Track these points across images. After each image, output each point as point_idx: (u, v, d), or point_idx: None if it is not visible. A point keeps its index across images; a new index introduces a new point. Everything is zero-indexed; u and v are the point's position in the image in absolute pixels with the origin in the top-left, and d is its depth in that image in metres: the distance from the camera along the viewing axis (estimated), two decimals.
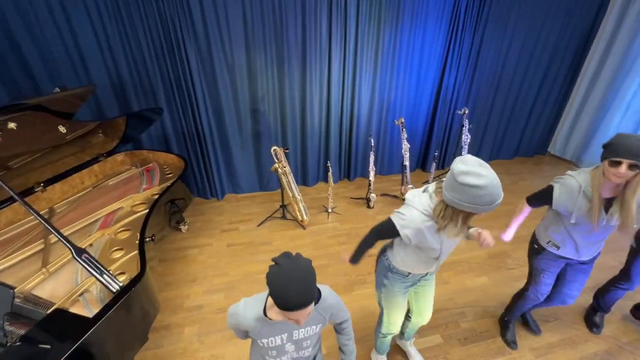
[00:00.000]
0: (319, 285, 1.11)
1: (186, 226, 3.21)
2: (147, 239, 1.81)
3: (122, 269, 1.70)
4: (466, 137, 3.57)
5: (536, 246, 1.74)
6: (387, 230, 1.29)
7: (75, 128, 2.26)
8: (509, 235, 1.81)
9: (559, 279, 1.81)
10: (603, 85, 4.20)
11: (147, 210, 2.06)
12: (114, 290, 1.41)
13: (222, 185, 3.76)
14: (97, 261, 1.41)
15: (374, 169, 3.52)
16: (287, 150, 3.02)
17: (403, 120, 3.46)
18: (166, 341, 2.11)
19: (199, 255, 2.92)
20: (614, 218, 1.40)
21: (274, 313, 1.00)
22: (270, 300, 1.01)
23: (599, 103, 4.28)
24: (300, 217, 3.22)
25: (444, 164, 4.45)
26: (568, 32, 4.05)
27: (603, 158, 1.32)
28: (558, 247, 1.63)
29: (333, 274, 2.70)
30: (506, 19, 3.71)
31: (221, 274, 2.71)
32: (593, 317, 2.22)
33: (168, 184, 2.49)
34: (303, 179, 4.04)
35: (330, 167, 3.30)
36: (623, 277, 2.00)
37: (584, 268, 1.71)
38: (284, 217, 3.38)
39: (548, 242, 1.67)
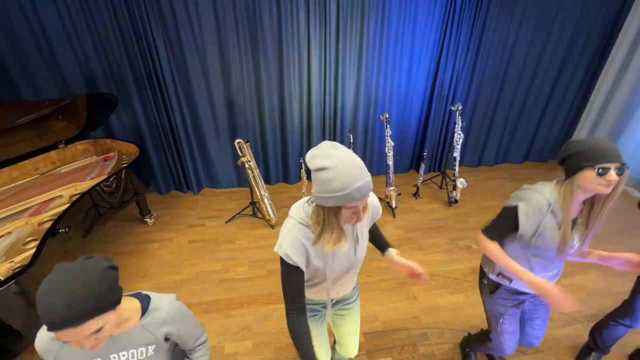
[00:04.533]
0: (159, 295, 0.90)
1: (152, 219, 3.11)
2: (62, 230, 1.68)
3: (25, 261, 1.58)
4: (459, 136, 3.20)
5: (485, 282, 1.40)
6: (287, 275, 0.98)
7: (25, 111, 2.19)
8: None
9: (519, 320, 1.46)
10: (630, 81, 3.63)
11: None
12: None
13: (198, 179, 3.64)
14: None
15: None
16: (248, 143, 2.83)
17: (388, 116, 3.15)
18: None
19: (157, 250, 2.80)
20: (576, 241, 1.16)
21: None
22: None
23: (624, 102, 3.71)
24: (267, 216, 3.02)
25: (440, 165, 4.07)
26: (590, 19, 3.53)
27: (580, 168, 1.04)
28: (510, 280, 1.30)
29: None
30: (513, 3, 3.29)
31: (174, 272, 2.57)
32: (587, 357, 1.83)
33: (101, 179, 2.30)
34: (285, 176, 3.84)
35: (302, 164, 3.07)
36: (625, 311, 1.60)
37: (543, 300, 1.38)
38: (254, 215, 3.19)
39: (498, 275, 1.34)
